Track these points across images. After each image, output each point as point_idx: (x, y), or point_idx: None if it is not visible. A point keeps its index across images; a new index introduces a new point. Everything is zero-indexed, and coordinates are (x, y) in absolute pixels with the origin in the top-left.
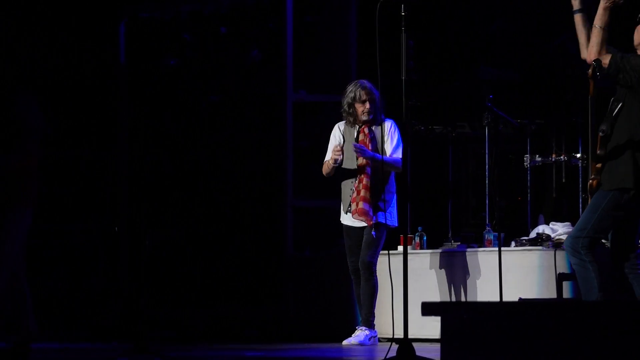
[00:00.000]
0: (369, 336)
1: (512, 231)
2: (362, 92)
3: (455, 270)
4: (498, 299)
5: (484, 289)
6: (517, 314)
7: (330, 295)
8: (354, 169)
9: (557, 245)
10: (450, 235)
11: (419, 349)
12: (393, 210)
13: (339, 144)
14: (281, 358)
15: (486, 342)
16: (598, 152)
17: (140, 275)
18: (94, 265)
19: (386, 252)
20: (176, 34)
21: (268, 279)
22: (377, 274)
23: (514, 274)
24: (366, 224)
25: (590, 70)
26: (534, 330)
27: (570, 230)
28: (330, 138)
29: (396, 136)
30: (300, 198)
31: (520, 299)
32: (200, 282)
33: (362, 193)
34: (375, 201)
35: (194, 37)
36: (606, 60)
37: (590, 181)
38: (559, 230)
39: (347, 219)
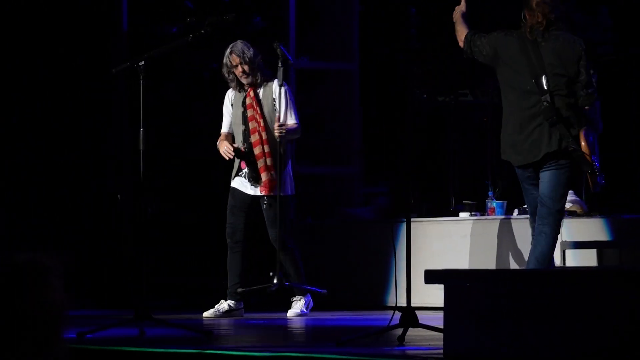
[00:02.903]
0: (305, 304)
1: (516, 200)
2: (231, 58)
3: (458, 239)
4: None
5: (487, 257)
6: (519, 282)
7: (332, 262)
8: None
9: None
10: (453, 204)
11: (422, 317)
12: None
13: (229, 114)
14: (282, 326)
15: (489, 310)
16: None
17: (144, 242)
18: (98, 232)
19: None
20: (178, 1)
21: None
22: (379, 241)
23: (517, 242)
24: (263, 194)
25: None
26: (537, 298)
27: (575, 198)
28: (223, 108)
29: (288, 100)
30: (302, 165)
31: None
32: (204, 250)
33: (268, 162)
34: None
35: (196, 5)
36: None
37: None
38: None
39: (237, 182)
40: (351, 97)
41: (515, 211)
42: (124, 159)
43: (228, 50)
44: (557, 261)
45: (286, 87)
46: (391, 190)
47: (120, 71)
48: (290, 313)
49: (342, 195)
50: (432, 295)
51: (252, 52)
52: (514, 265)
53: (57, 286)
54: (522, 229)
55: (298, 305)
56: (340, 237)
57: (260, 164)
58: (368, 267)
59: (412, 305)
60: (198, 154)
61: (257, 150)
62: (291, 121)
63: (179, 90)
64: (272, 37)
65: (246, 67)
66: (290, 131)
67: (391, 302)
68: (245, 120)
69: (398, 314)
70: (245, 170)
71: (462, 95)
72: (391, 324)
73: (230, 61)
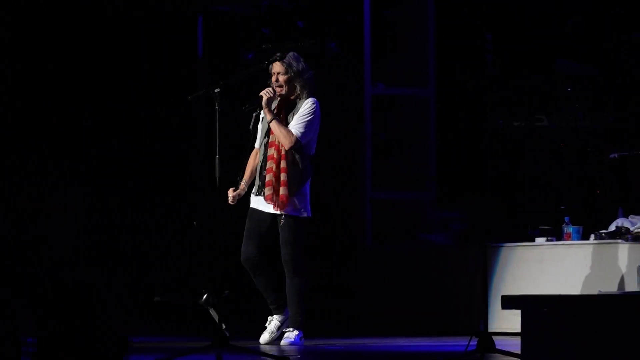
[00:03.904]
0: (299, 335)
1: (591, 225)
2: (273, 65)
3: (534, 265)
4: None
5: (564, 282)
6: (597, 308)
7: (408, 288)
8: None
9: (636, 238)
10: (529, 228)
11: (499, 342)
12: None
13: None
14: (360, 352)
15: (566, 336)
16: None
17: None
18: (172, 259)
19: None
20: (254, 28)
21: (347, 272)
22: (455, 266)
23: (594, 267)
24: (278, 212)
25: None
26: (614, 323)
27: None
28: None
29: (306, 115)
30: (378, 191)
31: (599, 292)
32: (276, 275)
33: (283, 178)
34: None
35: (272, 31)
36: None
37: None
38: (638, 223)
39: (255, 202)
40: (426, 123)
41: (592, 236)
42: (202, 185)
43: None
44: (635, 286)
45: (313, 102)
46: (467, 216)
47: (196, 98)
48: (284, 342)
49: (417, 221)
50: (509, 321)
51: (300, 66)
52: (590, 290)
53: (116, 305)
54: (598, 254)
55: (291, 335)
56: (416, 262)
57: (284, 178)
58: (444, 293)
59: (489, 330)
60: None
61: (275, 166)
62: (295, 128)
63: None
64: (347, 63)
65: (282, 78)
66: (278, 124)
67: (468, 327)
68: (268, 132)
69: (475, 340)
70: (261, 183)
71: (538, 121)
72: (468, 349)
73: (271, 67)
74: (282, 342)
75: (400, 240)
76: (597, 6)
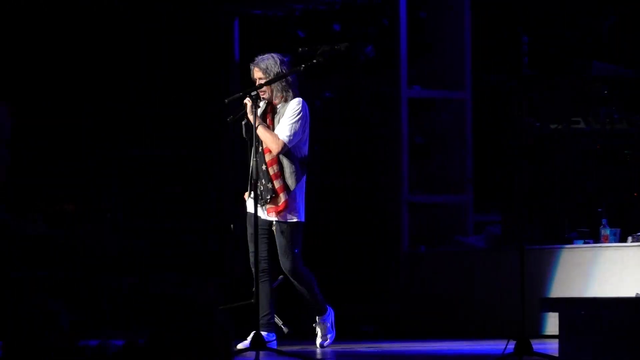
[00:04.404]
0: (329, 317)
1: (628, 227)
2: (253, 70)
3: (572, 267)
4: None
5: (601, 285)
6: (634, 310)
7: (446, 291)
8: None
9: None
10: (566, 231)
11: (537, 345)
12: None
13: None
14: (396, 355)
15: (604, 338)
16: None
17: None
18: (208, 264)
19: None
20: (290, 31)
21: (383, 276)
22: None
23: (631, 269)
24: (276, 218)
25: None
26: None
27: None
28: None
29: (292, 117)
30: (415, 194)
31: (637, 295)
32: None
33: (284, 182)
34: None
35: (307, 35)
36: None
37: None
38: None
39: (252, 207)
40: (463, 125)
41: (629, 239)
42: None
43: (254, 62)
44: None
45: (298, 102)
46: (503, 219)
47: (232, 101)
48: (320, 331)
49: (454, 224)
50: (547, 324)
51: (277, 69)
52: (628, 293)
53: (221, 312)
54: (636, 256)
55: (323, 322)
56: (452, 265)
57: (278, 184)
58: (481, 296)
59: (526, 333)
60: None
61: (272, 170)
62: (281, 132)
63: None
64: (383, 66)
65: (264, 82)
66: (264, 129)
67: (505, 330)
68: (258, 137)
69: (512, 343)
70: (259, 189)
71: (574, 123)
72: (506, 352)
73: (252, 74)
74: (319, 332)
75: (437, 244)
76: (634, 7)
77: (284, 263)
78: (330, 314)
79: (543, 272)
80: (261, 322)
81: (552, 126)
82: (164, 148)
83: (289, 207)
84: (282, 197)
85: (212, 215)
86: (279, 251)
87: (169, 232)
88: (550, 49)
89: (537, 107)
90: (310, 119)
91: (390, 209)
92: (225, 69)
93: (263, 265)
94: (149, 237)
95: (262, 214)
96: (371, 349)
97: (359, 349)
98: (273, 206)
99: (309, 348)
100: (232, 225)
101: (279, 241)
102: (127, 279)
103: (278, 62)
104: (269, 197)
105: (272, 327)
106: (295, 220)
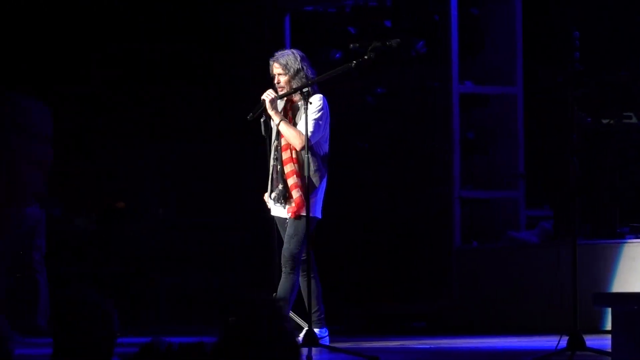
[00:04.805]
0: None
1: None
2: (272, 66)
3: (624, 262)
4: None
5: None
6: None
7: (498, 286)
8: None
9: None
10: (618, 226)
11: (590, 340)
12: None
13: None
14: (449, 351)
15: None
16: None
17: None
18: (245, 260)
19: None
20: (341, 27)
21: (435, 272)
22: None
23: None
24: (290, 216)
25: None
26: None
27: None
28: None
29: (314, 113)
30: (467, 189)
31: None
32: (366, 275)
33: (299, 182)
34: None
35: (358, 30)
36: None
37: None
38: None
39: (274, 210)
40: (514, 121)
41: None
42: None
43: (270, 60)
44: None
45: (320, 99)
46: (555, 214)
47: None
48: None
49: (506, 219)
50: (600, 319)
51: (298, 65)
52: None
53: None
54: None
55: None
56: (505, 260)
57: (291, 182)
58: (533, 291)
59: (579, 328)
60: (361, 178)
61: (287, 169)
62: (304, 128)
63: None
64: (435, 62)
65: (283, 79)
66: (287, 125)
67: (557, 325)
68: (278, 134)
69: (565, 338)
70: (277, 189)
71: (626, 118)
72: (558, 347)
73: (270, 71)
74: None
75: (489, 239)
76: None
77: (285, 249)
78: (325, 333)
79: (596, 267)
80: (312, 319)
81: (604, 121)
82: (211, 144)
83: (303, 205)
84: (295, 194)
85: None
86: (285, 238)
87: (217, 228)
88: (602, 44)
89: (588, 102)
90: (363, 115)
91: (442, 205)
92: None
93: (302, 263)
94: (195, 233)
95: (282, 213)
96: (423, 345)
97: (410, 345)
98: (290, 206)
99: (361, 344)
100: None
101: (289, 230)
102: (185, 276)
103: (298, 58)
104: (286, 196)
105: (323, 323)
106: (312, 215)
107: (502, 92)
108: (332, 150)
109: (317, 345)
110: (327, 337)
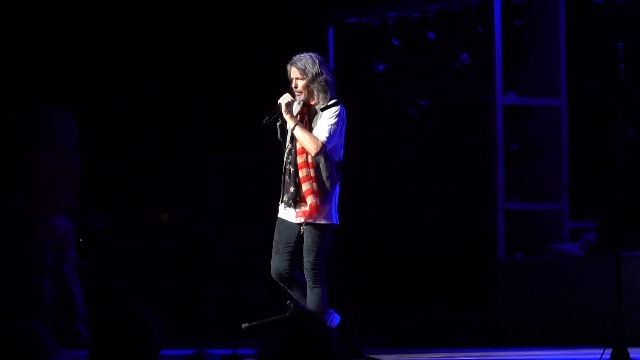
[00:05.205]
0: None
1: None
2: (290, 70)
3: None
4: None
5: None
6: None
7: (541, 298)
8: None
9: None
10: None
11: (633, 352)
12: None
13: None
14: None
15: None
16: None
17: (351, 279)
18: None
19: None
20: (384, 40)
21: (478, 283)
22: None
23: None
24: (303, 220)
25: None
26: None
27: None
28: None
29: (331, 119)
30: (510, 201)
31: None
32: (408, 287)
33: (315, 187)
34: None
35: (402, 43)
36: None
37: None
38: None
39: (283, 213)
40: (558, 132)
41: None
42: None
43: (289, 62)
44: None
45: (340, 108)
46: (599, 226)
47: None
48: None
49: (549, 231)
50: None
51: (316, 69)
52: None
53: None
54: None
55: None
56: (548, 272)
57: (306, 187)
58: (577, 303)
59: (623, 341)
60: (406, 189)
61: (302, 173)
62: (320, 134)
63: (380, 125)
64: (478, 74)
65: (301, 83)
66: (302, 129)
67: (601, 338)
68: (293, 138)
69: (609, 350)
70: (290, 191)
71: None
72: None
73: (288, 73)
74: None
75: (532, 251)
76: None
77: (305, 261)
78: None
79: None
80: None
81: None
82: (261, 155)
83: (318, 211)
84: (310, 200)
85: None
86: (304, 249)
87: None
88: None
89: (632, 114)
90: (406, 127)
91: (486, 216)
92: None
93: (285, 276)
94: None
95: (291, 217)
96: (467, 357)
97: (455, 358)
98: (302, 210)
99: (404, 356)
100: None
101: (306, 240)
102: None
103: (317, 62)
104: (297, 199)
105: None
106: (324, 222)
107: (546, 104)
108: (378, 161)
109: (361, 356)
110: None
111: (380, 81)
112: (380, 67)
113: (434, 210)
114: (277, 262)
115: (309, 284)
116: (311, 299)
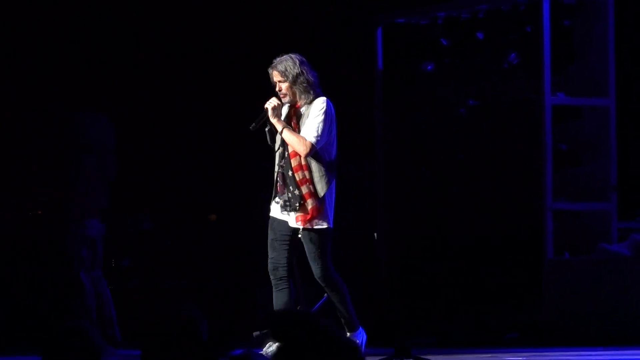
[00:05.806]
0: (360, 334)
1: None
2: (272, 73)
3: None
4: None
5: None
6: None
7: (590, 298)
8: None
9: None
10: None
11: None
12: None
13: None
14: None
15: None
16: None
17: (401, 280)
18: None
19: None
20: (433, 39)
21: (527, 283)
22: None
23: None
24: (301, 225)
25: None
26: None
27: None
28: None
29: (317, 117)
30: (559, 201)
31: None
32: (458, 287)
33: (312, 189)
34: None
35: (451, 42)
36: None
37: None
38: None
39: (276, 211)
40: (607, 133)
41: None
42: (378, 196)
43: (270, 67)
44: None
45: (323, 102)
46: None
47: (378, 111)
48: None
49: (598, 231)
50: None
51: (297, 70)
52: None
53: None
54: None
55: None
56: (597, 273)
57: (305, 190)
58: (625, 303)
59: None
60: (453, 188)
61: (299, 176)
62: (307, 134)
63: (429, 125)
64: (527, 73)
65: (284, 86)
66: (289, 131)
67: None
68: (283, 141)
69: None
70: (285, 196)
71: None
72: None
73: (271, 78)
74: None
75: (581, 251)
76: None
77: (315, 270)
78: (361, 334)
79: None
80: (345, 325)
81: None
82: None
83: (317, 214)
84: (310, 204)
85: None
86: (309, 258)
87: None
88: None
89: None
90: (455, 127)
91: (535, 216)
92: (369, 77)
93: (281, 272)
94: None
95: (290, 220)
96: (516, 357)
97: (503, 358)
98: (302, 214)
99: (453, 357)
100: (375, 234)
101: (308, 248)
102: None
103: (297, 62)
104: (297, 204)
105: (355, 326)
106: (324, 226)
107: (595, 104)
108: (427, 161)
109: (409, 356)
110: None
111: (429, 81)
112: (429, 66)
113: (482, 210)
114: (277, 257)
115: (328, 289)
116: (335, 299)
